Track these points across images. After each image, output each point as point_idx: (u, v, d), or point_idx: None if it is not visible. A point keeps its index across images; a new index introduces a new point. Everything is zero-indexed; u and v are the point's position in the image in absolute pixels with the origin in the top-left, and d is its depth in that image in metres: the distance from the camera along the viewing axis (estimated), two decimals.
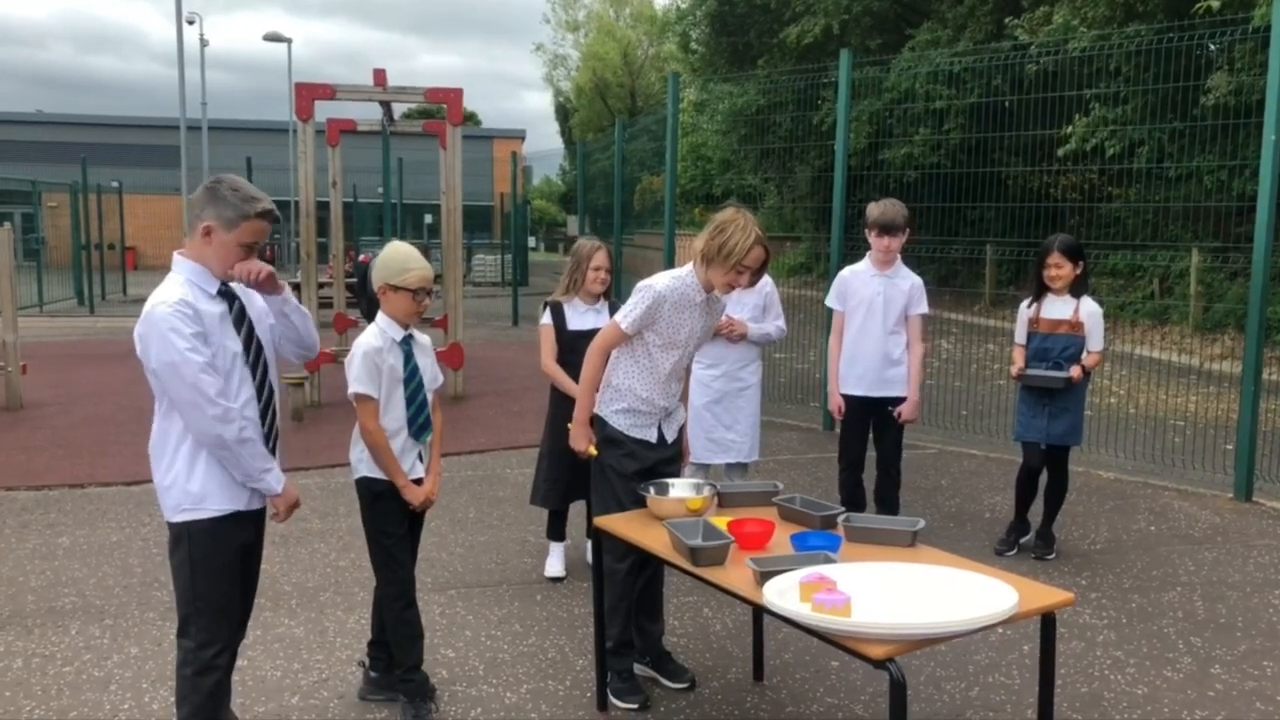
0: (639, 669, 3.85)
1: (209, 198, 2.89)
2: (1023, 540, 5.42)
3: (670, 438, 3.85)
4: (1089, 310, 5.18)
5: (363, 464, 3.52)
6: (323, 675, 3.91)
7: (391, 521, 3.53)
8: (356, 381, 3.44)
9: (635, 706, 3.64)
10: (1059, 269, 5.16)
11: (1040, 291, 5.28)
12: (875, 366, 5.18)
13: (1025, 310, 5.37)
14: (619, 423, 3.73)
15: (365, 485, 3.53)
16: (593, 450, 3.73)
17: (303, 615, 4.50)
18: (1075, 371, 5.11)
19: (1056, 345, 5.19)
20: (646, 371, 3.71)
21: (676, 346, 3.70)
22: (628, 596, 3.75)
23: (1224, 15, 10.30)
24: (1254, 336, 6.19)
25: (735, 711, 3.64)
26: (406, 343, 3.53)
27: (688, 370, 3.97)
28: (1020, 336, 5.38)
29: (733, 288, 3.65)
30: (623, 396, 3.73)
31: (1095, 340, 5.18)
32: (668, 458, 3.84)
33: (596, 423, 3.76)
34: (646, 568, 3.79)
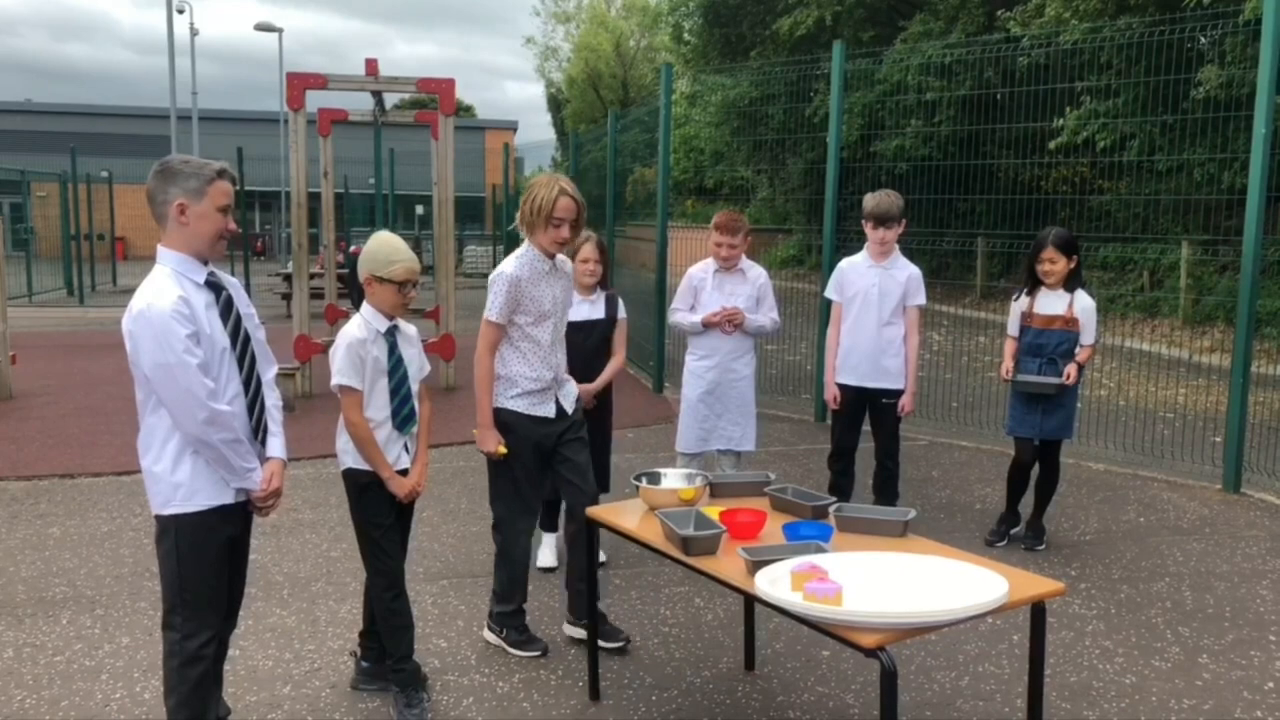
0: (574, 630, 4.11)
1: (165, 179, 2.84)
2: (1013, 531, 5.44)
3: (569, 409, 4.07)
4: (1083, 305, 5.13)
5: (348, 455, 3.50)
6: (314, 665, 3.91)
7: (379, 512, 3.52)
8: (340, 374, 3.42)
9: (538, 654, 3.95)
10: (1053, 263, 5.09)
11: (1033, 285, 5.21)
12: (870, 357, 5.21)
13: (1018, 303, 5.31)
14: (517, 406, 3.95)
15: (351, 476, 3.52)
16: (502, 449, 3.91)
17: (294, 605, 4.50)
18: (1070, 373, 5.06)
19: (1051, 341, 5.13)
20: (529, 351, 3.96)
21: (547, 317, 3.97)
22: (518, 565, 4.01)
23: (1214, 8, 10.33)
24: (1243, 329, 6.22)
25: (726, 700, 3.66)
26: (391, 334, 3.51)
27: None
28: (1013, 329, 5.30)
29: (562, 244, 3.90)
30: (515, 384, 3.96)
31: (1088, 334, 5.14)
32: (570, 426, 4.07)
33: (494, 414, 3.97)
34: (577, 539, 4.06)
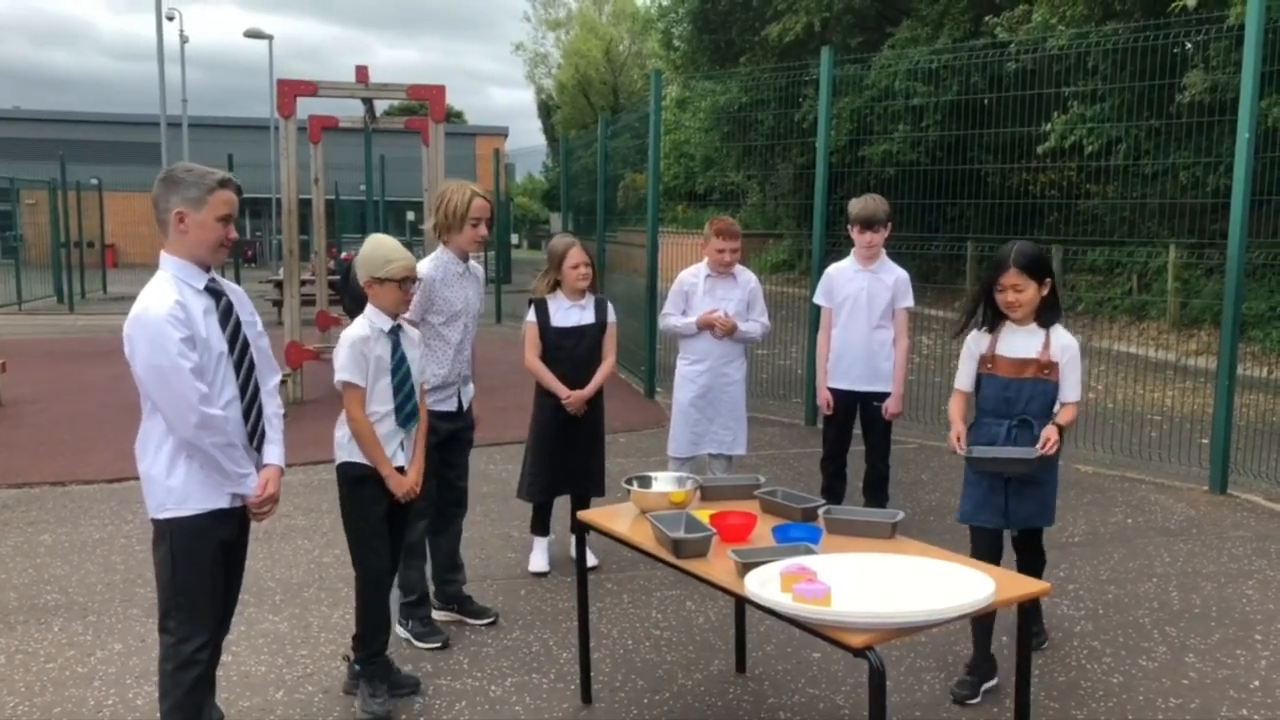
0: (447, 615, 4.35)
1: (167, 187, 2.88)
2: (988, 686, 3.71)
3: (466, 405, 4.32)
4: (1063, 344, 3.77)
5: (343, 449, 3.56)
6: (307, 670, 3.92)
7: (371, 507, 3.56)
8: (342, 370, 3.49)
9: (439, 645, 4.09)
10: (1019, 291, 3.70)
11: (994, 319, 3.85)
12: (861, 360, 5.24)
13: (975, 341, 3.90)
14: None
15: (346, 469, 3.57)
16: None
17: (287, 611, 4.51)
18: (1049, 438, 3.66)
19: (1021, 395, 3.76)
20: (440, 351, 4.16)
21: (459, 317, 4.21)
22: (423, 559, 4.24)
23: (1200, 14, 10.41)
24: (1229, 332, 6.27)
25: (718, 703, 3.68)
26: (394, 333, 3.59)
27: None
28: (965, 380, 3.92)
29: (479, 244, 4.22)
30: (425, 380, 4.06)
31: (1071, 387, 3.75)
32: (465, 425, 4.33)
33: None
34: (443, 533, 4.35)
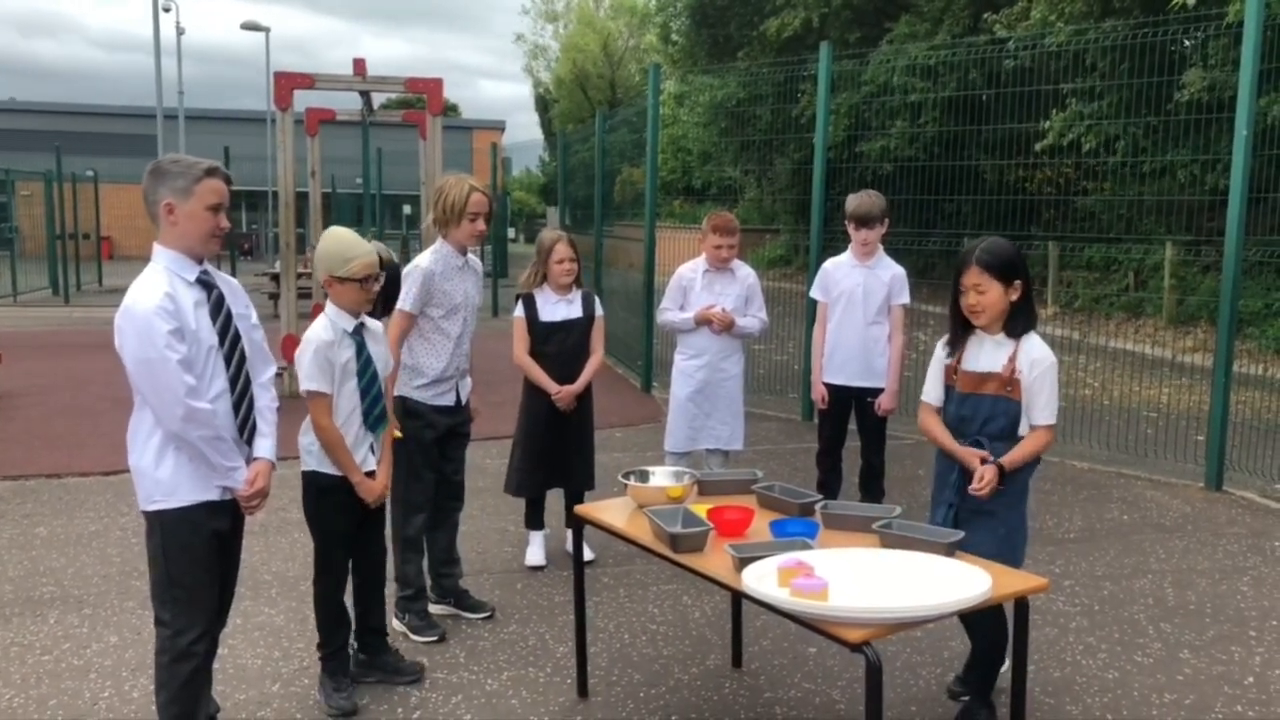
0: (444, 609, 4.34)
1: (155, 180, 2.88)
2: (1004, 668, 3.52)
3: (464, 399, 4.32)
4: (1032, 358, 3.30)
5: (311, 456, 3.48)
6: (303, 663, 3.92)
7: (336, 518, 3.52)
8: (308, 379, 3.38)
9: (436, 638, 4.08)
10: (981, 294, 3.29)
11: (962, 327, 3.44)
12: (856, 356, 5.24)
13: (943, 349, 3.52)
14: (421, 396, 4.14)
15: (312, 478, 3.50)
16: (397, 433, 3.99)
17: (283, 604, 4.50)
18: (984, 478, 3.22)
19: (978, 413, 3.36)
20: (439, 344, 4.16)
21: (458, 311, 4.20)
22: (420, 553, 4.25)
23: (1198, 11, 10.42)
24: (1225, 329, 6.28)
25: (714, 697, 3.68)
26: (359, 332, 3.47)
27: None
28: (931, 393, 3.54)
29: (477, 238, 4.20)
30: (422, 374, 4.15)
31: (1039, 408, 3.30)
32: (463, 419, 4.33)
33: (398, 402, 4.08)
34: (440, 527, 4.34)
